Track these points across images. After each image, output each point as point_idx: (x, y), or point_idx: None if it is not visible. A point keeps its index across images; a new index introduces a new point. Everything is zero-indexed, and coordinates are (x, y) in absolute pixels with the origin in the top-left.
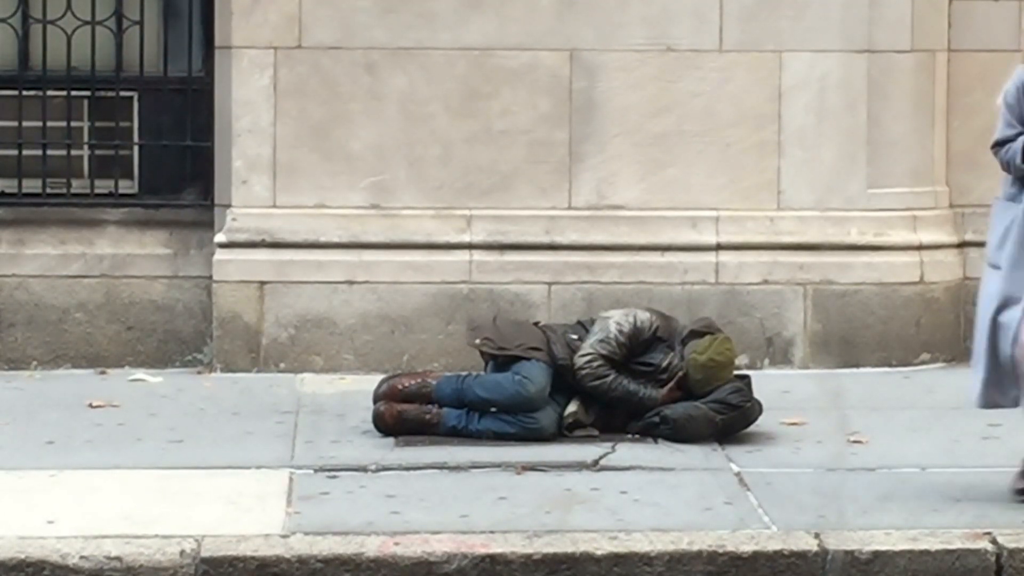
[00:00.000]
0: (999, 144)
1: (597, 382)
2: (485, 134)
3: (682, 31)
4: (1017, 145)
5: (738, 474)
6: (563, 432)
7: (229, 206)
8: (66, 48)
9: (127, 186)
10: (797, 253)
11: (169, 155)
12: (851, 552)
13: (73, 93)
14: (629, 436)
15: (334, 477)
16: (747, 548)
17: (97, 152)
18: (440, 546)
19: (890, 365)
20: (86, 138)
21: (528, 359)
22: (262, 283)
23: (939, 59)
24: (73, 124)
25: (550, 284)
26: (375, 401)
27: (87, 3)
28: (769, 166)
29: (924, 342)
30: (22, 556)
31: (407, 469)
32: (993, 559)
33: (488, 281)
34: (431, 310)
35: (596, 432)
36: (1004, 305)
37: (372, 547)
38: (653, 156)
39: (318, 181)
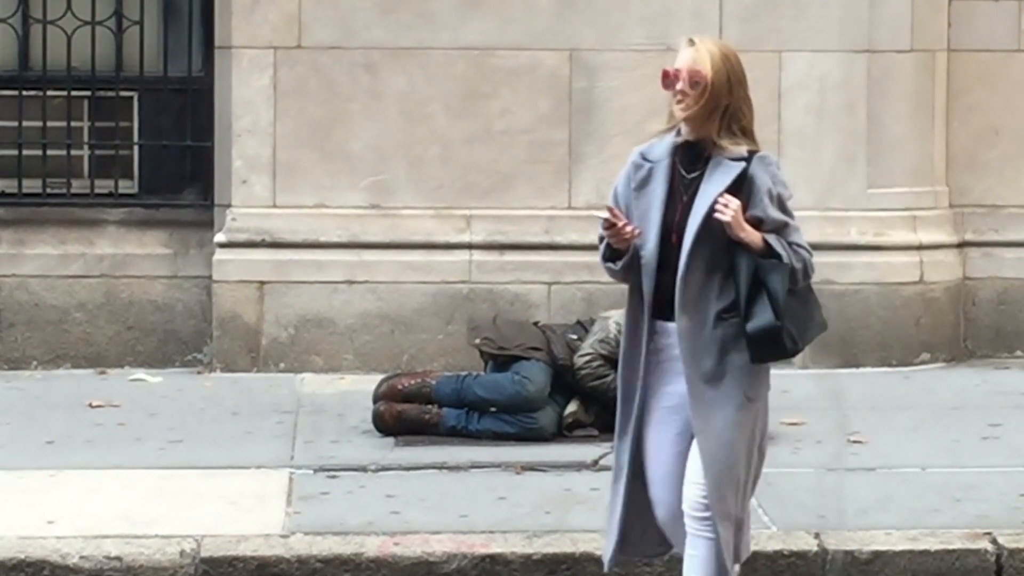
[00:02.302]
0: (600, 239)
1: (597, 382)
2: (485, 134)
3: (682, 31)
4: (603, 246)
5: None
6: (563, 432)
7: (229, 206)
8: (66, 48)
9: (127, 186)
10: None
11: (169, 155)
12: (851, 552)
13: (73, 93)
14: None
15: (334, 477)
16: None
17: (97, 152)
18: (440, 546)
19: (890, 365)
20: (86, 138)
21: (528, 359)
22: (262, 283)
23: (939, 59)
24: (73, 124)
25: (550, 284)
26: (375, 401)
27: (87, 3)
28: None
29: (924, 342)
30: (22, 556)
31: (407, 469)
32: (993, 559)
33: (488, 281)
34: (431, 310)
35: (596, 432)
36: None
37: (372, 547)
38: None
39: (318, 181)
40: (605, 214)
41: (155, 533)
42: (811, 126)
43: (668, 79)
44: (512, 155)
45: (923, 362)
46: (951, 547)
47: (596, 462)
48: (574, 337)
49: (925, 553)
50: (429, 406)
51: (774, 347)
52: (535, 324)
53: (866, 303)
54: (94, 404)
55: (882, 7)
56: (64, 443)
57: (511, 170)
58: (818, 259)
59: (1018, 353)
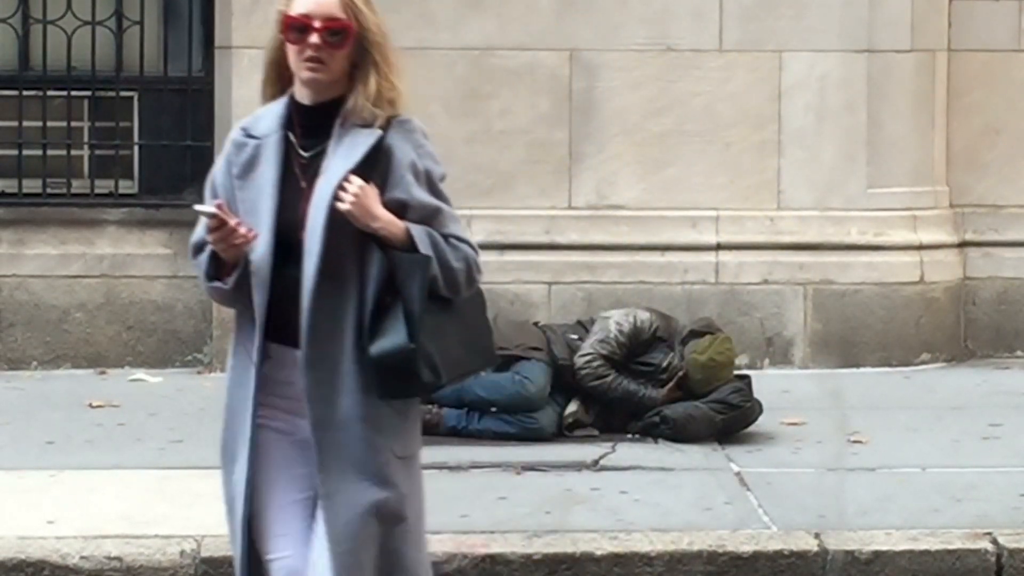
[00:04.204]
0: (196, 248)
1: (597, 382)
2: (485, 134)
3: (682, 31)
4: (203, 258)
5: (738, 474)
6: (563, 432)
7: None
8: (66, 48)
9: (127, 186)
10: (797, 253)
11: (169, 155)
12: (851, 552)
13: (73, 93)
14: (629, 436)
15: None
16: (747, 548)
17: (97, 152)
18: (440, 546)
19: (890, 365)
20: (86, 138)
21: (528, 359)
22: None
23: (939, 59)
24: (73, 124)
25: (550, 284)
26: None
27: (87, 3)
28: (769, 166)
29: (924, 342)
30: (22, 556)
31: None
32: (993, 559)
33: (488, 281)
34: None
35: (596, 432)
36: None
37: None
38: (653, 156)
39: None
40: (210, 209)
41: (155, 533)
42: (811, 126)
43: (296, 27)
44: (512, 155)
45: (923, 362)
46: (951, 547)
47: (597, 462)
48: (574, 337)
49: (925, 553)
50: (429, 406)
51: (404, 378)
52: (535, 324)
53: (866, 303)
54: (94, 404)
55: (882, 7)
56: (64, 443)
57: (511, 170)
58: (818, 259)
59: (1018, 353)
